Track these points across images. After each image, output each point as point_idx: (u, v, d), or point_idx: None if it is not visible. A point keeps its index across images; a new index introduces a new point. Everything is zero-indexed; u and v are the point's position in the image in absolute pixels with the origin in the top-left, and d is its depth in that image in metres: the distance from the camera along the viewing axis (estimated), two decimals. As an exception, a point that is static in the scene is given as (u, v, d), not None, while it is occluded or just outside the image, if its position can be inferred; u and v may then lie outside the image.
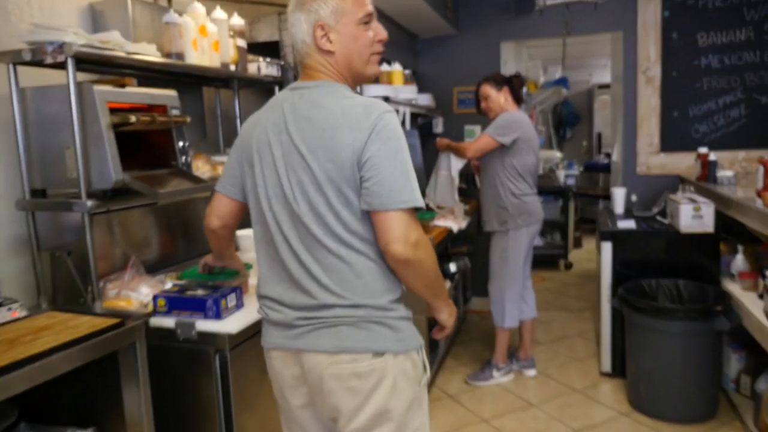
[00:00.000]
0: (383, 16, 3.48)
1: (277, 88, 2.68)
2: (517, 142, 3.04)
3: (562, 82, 6.31)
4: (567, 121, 8.50)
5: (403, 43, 4.13)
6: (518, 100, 3.21)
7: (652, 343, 2.76)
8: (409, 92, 3.45)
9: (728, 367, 2.96)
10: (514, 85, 3.19)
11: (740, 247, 2.91)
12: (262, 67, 2.52)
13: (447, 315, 1.37)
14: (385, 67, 3.39)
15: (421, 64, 4.47)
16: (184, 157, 1.82)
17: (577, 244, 6.64)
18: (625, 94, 3.98)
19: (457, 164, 3.38)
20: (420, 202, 1.15)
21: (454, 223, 3.37)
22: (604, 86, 8.06)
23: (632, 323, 2.86)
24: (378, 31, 1.29)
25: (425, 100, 3.98)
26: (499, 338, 3.28)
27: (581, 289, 5.12)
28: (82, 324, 1.31)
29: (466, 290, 4.23)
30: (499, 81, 3.20)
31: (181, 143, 1.82)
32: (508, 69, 4.21)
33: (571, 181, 6.24)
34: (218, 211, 1.41)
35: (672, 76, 3.83)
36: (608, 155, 7.42)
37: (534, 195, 3.17)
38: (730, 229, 3.00)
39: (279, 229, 1.23)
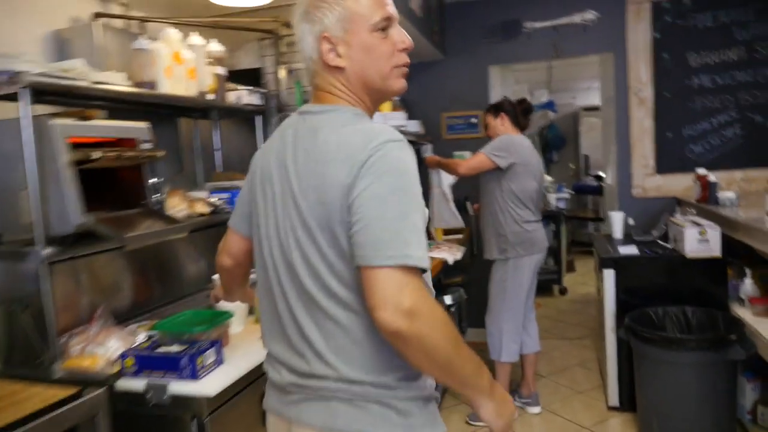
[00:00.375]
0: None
1: (261, 118, 2.54)
2: (514, 166, 2.93)
3: (549, 105, 6.27)
4: (553, 144, 8.47)
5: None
6: (519, 125, 3.12)
7: (664, 376, 2.60)
8: (399, 119, 3.32)
9: (743, 397, 2.80)
10: (516, 110, 3.11)
11: (748, 271, 2.79)
12: (242, 95, 2.38)
13: (492, 413, 1.02)
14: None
15: (408, 89, 4.35)
16: (156, 195, 1.65)
17: (570, 268, 6.51)
18: (618, 116, 3.90)
19: (447, 179, 3.29)
20: (419, 260, 0.89)
21: (449, 254, 3.22)
22: (589, 109, 8.06)
23: (641, 355, 2.70)
24: (400, 39, 1.06)
25: (414, 126, 3.86)
26: (498, 373, 3.10)
27: (579, 316, 4.97)
28: (33, 396, 1.12)
29: (462, 321, 4.06)
30: (497, 107, 3.13)
31: (153, 180, 1.65)
32: (496, 94, 4.12)
33: (561, 205, 6.14)
34: (230, 249, 1.24)
35: (664, 97, 3.76)
36: (597, 177, 7.36)
37: (537, 223, 3.04)
38: (736, 252, 2.88)
39: (277, 278, 1.05)
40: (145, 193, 1.65)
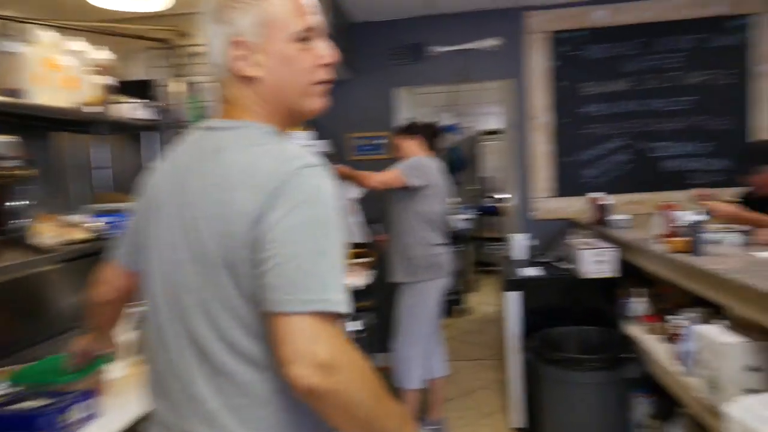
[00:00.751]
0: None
1: (154, 135, 2.33)
2: (424, 188, 2.92)
3: (452, 128, 6.42)
4: (457, 166, 8.70)
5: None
6: (432, 147, 3.11)
7: (567, 396, 2.66)
8: (307, 138, 3.20)
9: (635, 412, 2.92)
10: (428, 132, 3.10)
11: (639, 291, 2.93)
12: (133, 108, 2.16)
13: None
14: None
15: (315, 108, 4.26)
16: (18, 221, 1.41)
17: (473, 288, 6.65)
18: (519, 139, 4.03)
19: (352, 193, 3.21)
20: (338, 305, 0.78)
21: (357, 278, 3.13)
22: (488, 133, 8.37)
23: (545, 376, 2.74)
24: (323, 52, 0.95)
25: (323, 146, 3.76)
26: (406, 400, 3.03)
27: (482, 336, 5.05)
28: None
29: (372, 347, 3.97)
30: (411, 129, 3.11)
31: (14, 203, 1.42)
32: (401, 116, 4.13)
33: (465, 226, 6.27)
34: (110, 283, 1.08)
35: (562, 123, 3.95)
36: (495, 199, 7.64)
37: (444, 246, 3.03)
38: (627, 272, 3.03)
39: (165, 324, 0.89)
40: (5, 219, 1.41)
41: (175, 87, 2.39)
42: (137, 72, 2.35)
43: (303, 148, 0.89)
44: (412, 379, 2.98)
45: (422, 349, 3.00)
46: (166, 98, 2.38)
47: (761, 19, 3.76)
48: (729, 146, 3.84)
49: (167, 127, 2.37)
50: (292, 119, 0.98)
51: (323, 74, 0.95)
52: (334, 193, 0.85)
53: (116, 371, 1.56)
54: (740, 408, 1.59)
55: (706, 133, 3.88)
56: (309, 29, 0.93)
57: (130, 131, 2.29)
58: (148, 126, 2.26)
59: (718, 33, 3.82)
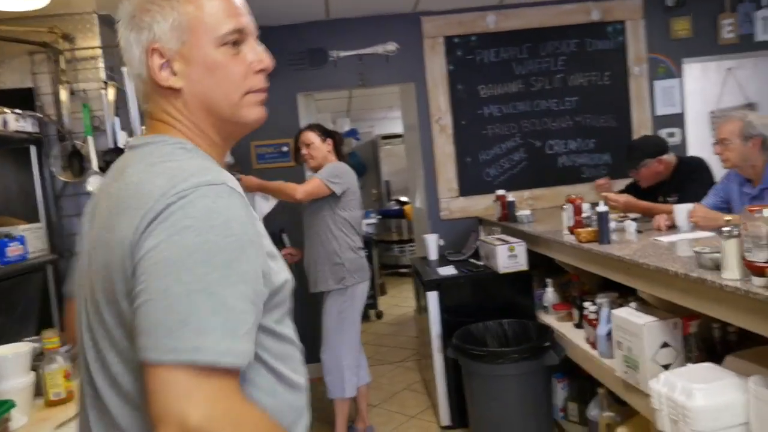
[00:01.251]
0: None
1: (34, 149, 2.07)
2: (347, 194, 2.90)
3: (352, 133, 6.42)
4: (356, 171, 8.72)
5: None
6: (340, 155, 3.07)
7: (491, 389, 2.72)
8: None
9: (555, 396, 3.06)
10: (337, 140, 3.07)
11: (549, 281, 3.08)
12: (9, 120, 1.91)
13: None
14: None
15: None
16: None
17: (383, 291, 6.68)
18: (422, 142, 4.09)
19: (264, 207, 3.08)
20: (219, 355, 0.64)
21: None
22: (387, 137, 8.47)
23: (469, 372, 2.79)
24: (256, 57, 0.85)
25: (226, 157, 3.58)
26: (338, 411, 2.96)
27: (398, 338, 5.07)
28: None
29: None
30: (325, 132, 3.05)
31: None
32: (303, 122, 4.04)
33: (370, 230, 6.29)
34: (70, 318, 0.94)
35: (462, 125, 4.06)
36: (398, 201, 7.74)
37: (364, 250, 3.03)
38: (538, 264, 3.17)
39: (80, 360, 0.80)
40: None
41: (62, 96, 2.15)
42: (18, 79, 2.09)
43: (211, 165, 0.78)
44: (347, 387, 2.91)
45: (353, 357, 2.95)
46: (52, 108, 2.14)
47: (632, 24, 4.11)
48: (611, 142, 4.16)
49: (54, 140, 2.13)
50: (228, 134, 0.87)
51: (257, 82, 0.86)
52: (241, 216, 0.71)
53: (19, 419, 1.36)
54: (660, 382, 1.71)
55: (590, 130, 4.18)
56: (238, 31, 0.83)
57: (10, 146, 2.02)
58: (30, 139, 2.01)
59: (596, 37, 4.13)
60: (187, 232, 0.66)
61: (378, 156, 8.93)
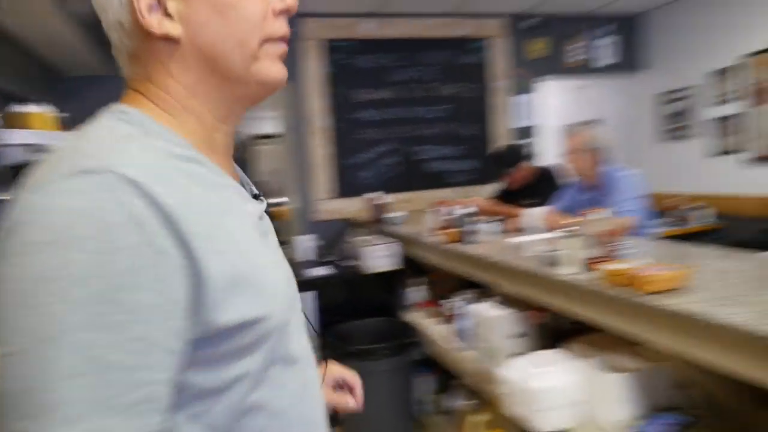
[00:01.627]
0: (13, 43, 2.76)
1: None
2: None
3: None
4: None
5: (42, 81, 3.36)
6: None
7: (364, 386, 2.79)
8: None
9: (421, 390, 3.21)
10: None
11: (417, 280, 3.23)
12: None
13: None
14: (22, 108, 2.65)
15: (70, 107, 3.71)
16: None
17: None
18: (298, 143, 4.09)
19: None
20: None
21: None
22: (260, 137, 8.32)
23: (340, 370, 2.84)
24: None
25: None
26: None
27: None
28: None
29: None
30: None
31: None
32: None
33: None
34: None
35: (340, 128, 4.12)
36: (273, 203, 7.62)
37: None
38: (406, 264, 3.31)
39: None
40: None
41: None
42: None
43: (119, 146, 0.52)
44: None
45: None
46: None
47: (495, 42, 4.44)
48: (476, 150, 4.46)
49: None
50: (234, 102, 0.64)
51: (278, 27, 0.63)
52: (140, 217, 0.48)
53: None
54: (510, 369, 1.87)
55: (458, 138, 4.45)
56: None
57: None
58: None
59: (463, 52, 4.40)
60: (36, 251, 0.45)
61: (250, 156, 8.74)
